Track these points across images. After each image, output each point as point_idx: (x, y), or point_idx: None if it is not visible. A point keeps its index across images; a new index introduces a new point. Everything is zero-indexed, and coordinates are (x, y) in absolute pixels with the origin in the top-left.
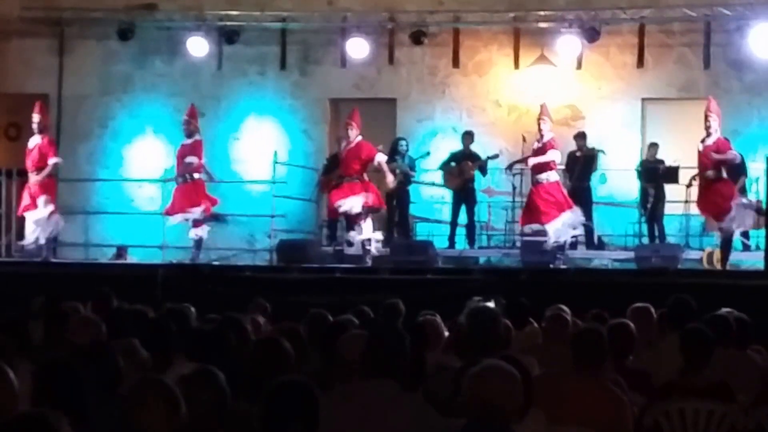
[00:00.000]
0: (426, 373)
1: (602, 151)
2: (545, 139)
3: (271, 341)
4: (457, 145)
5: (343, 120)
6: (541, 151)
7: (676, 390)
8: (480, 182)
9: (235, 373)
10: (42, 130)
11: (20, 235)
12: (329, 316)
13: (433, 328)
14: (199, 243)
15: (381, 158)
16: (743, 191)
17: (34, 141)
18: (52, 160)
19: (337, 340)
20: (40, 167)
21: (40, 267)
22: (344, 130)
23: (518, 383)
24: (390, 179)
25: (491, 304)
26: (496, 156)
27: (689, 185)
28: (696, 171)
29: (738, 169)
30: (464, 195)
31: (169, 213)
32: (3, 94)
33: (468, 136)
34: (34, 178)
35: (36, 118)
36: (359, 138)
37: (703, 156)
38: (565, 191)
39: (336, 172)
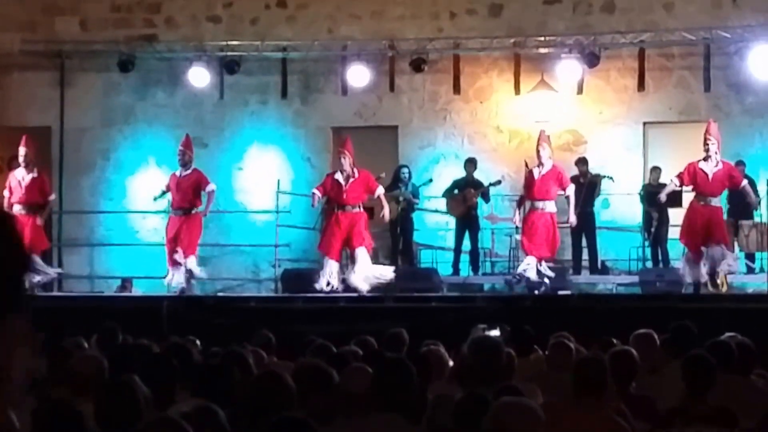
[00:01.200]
0: (429, 404)
1: (609, 177)
2: (546, 168)
3: (272, 375)
4: (459, 172)
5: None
6: (551, 179)
7: (679, 416)
8: (483, 209)
9: (238, 408)
10: (29, 164)
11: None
12: (333, 348)
13: (436, 358)
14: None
15: (381, 191)
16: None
17: (27, 176)
18: (52, 197)
19: (340, 372)
20: (41, 204)
21: (44, 301)
22: (337, 159)
23: (539, 420)
24: (387, 212)
25: (496, 332)
26: (498, 182)
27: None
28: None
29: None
30: (468, 222)
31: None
32: (4, 127)
33: (471, 163)
34: (22, 212)
35: (22, 151)
36: (355, 168)
37: (715, 180)
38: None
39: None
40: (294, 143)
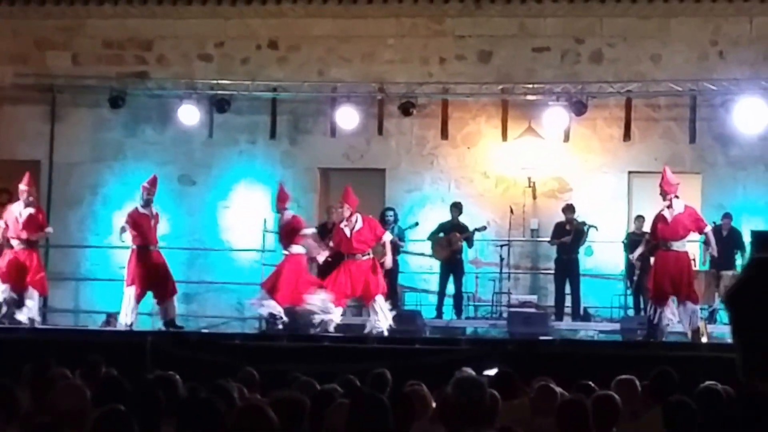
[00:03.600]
0: None
1: (594, 227)
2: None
3: (255, 408)
4: (445, 216)
5: (333, 191)
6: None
7: None
8: (467, 253)
9: None
10: (30, 203)
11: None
12: (317, 385)
13: (419, 398)
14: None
15: (388, 237)
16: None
17: (25, 211)
18: (49, 230)
19: (323, 409)
20: (35, 239)
21: (29, 333)
22: (337, 211)
23: None
24: (389, 260)
25: (492, 372)
26: (483, 228)
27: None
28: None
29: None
30: (452, 266)
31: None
32: None
33: (456, 208)
34: (20, 246)
35: (24, 187)
36: (357, 215)
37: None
38: None
39: (327, 240)
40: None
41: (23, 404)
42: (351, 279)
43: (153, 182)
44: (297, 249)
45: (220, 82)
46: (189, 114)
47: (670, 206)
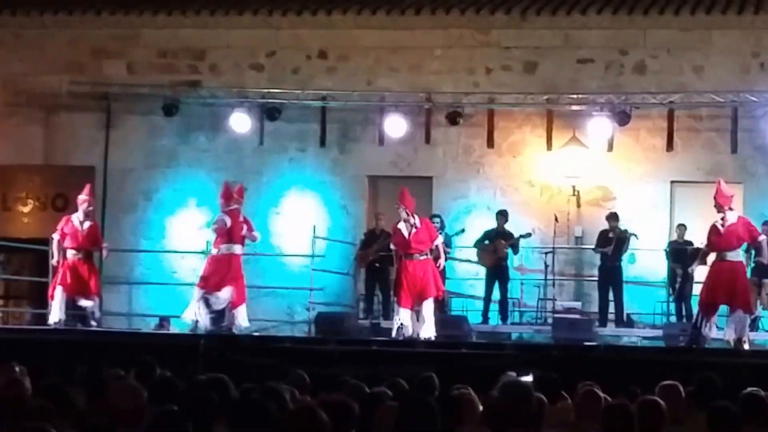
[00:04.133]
0: None
1: (635, 235)
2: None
3: (308, 410)
4: (491, 223)
5: (381, 198)
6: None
7: None
8: (513, 260)
9: None
10: (90, 214)
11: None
12: (366, 388)
13: (467, 401)
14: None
15: (440, 240)
16: None
17: (85, 223)
18: (106, 245)
19: (372, 411)
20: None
21: (84, 335)
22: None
23: None
24: (443, 261)
25: (529, 378)
26: (528, 235)
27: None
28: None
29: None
30: (497, 272)
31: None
32: (51, 166)
33: (502, 216)
34: (77, 256)
35: (85, 198)
36: (416, 216)
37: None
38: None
39: (375, 247)
40: (331, 190)
41: (77, 404)
42: (410, 278)
43: (240, 192)
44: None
45: (271, 90)
46: (240, 122)
47: (724, 218)
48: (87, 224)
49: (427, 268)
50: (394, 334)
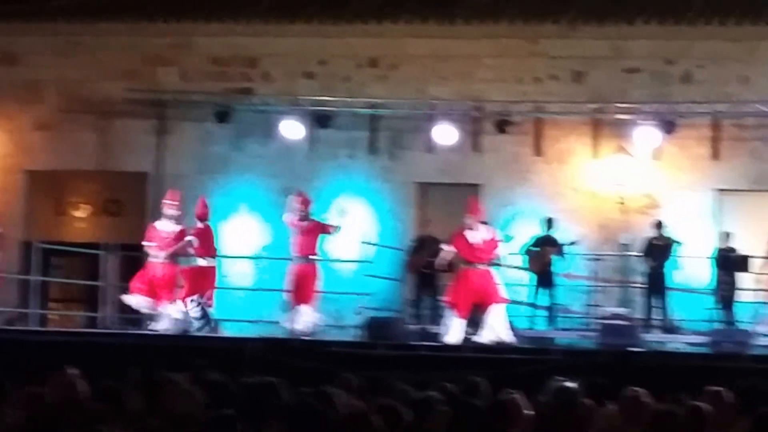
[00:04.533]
0: None
1: (679, 243)
2: None
3: (360, 415)
4: (538, 230)
5: (430, 205)
6: None
7: None
8: (560, 266)
9: None
10: (178, 218)
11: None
12: (414, 392)
13: (516, 406)
14: None
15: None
16: None
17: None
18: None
19: (423, 416)
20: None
21: (136, 338)
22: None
23: None
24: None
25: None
26: (574, 242)
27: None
28: None
29: None
30: (544, 278)
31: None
32: (105, 171)
33: (549, 223)
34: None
35: (172, 203)
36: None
37: None
38: None
39: (423, 253)
40: (380, 197)
41: (131, 406)
42: (471, 287)
43: (305, 201)
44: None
45: (322, 98)
46: (292, 129)
47: None
48: (173, 231)
49: (489, 276)
50: (451, 338)
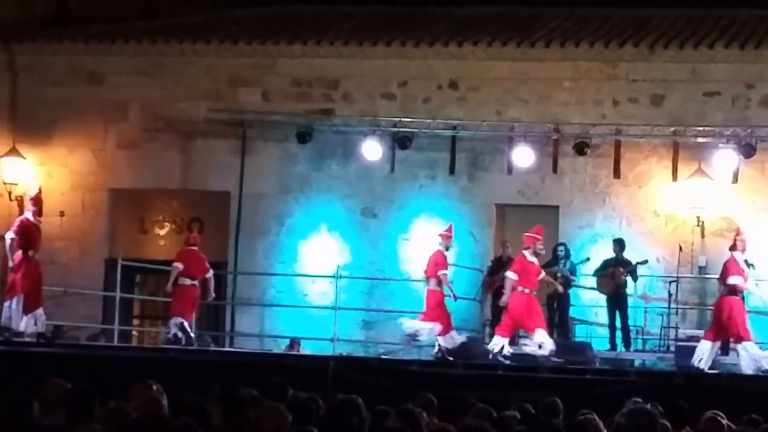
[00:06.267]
0: None
1: (752, 265)
2: None
3: None
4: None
5: (508, 226)
6: None
7: None
8: (636, 288)
9: None
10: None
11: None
12: (493, 412)
13: (593, 426)
14: None
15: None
16: None
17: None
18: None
19: None
20: None
21: (217, 355)
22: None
23: None
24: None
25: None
26: (645, 262)
27: None
28: None
29: None
30: (617, 299)
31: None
32: (187, 190)
33: (618, 244)
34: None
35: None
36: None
37: None
38: None
39: (501, 274)
40: (459, 217)
41: (214, 422)
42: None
43: (449, 231)
44: None
45: (402, 119)
46: (372, 150)
47: None
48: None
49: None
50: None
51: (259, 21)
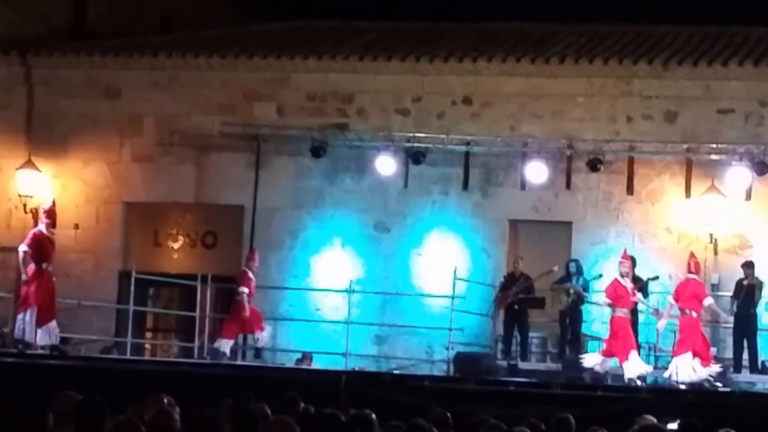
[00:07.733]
0: None
1: (764, 283)
2: None
3: None
4: None
5: (521, 242)
6: None
7: None
8: (648, 307)
9: None
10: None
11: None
12: (505, 428)
13: None
14: None
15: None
16: None
17: None
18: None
19: None
20: None
21: (229, 369)
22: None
23: None
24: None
25: (674, 426)
26: (656, 278)
27: None
28: None
29: None
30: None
31: None
32: (202, 204)
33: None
34: None
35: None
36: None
37: None
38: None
39: (514, 289)
40: (472, 233)
41: None
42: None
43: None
44: None
45: (416, 135)
46: (386, 165)
47: None
48: None
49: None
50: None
51: (274, 35)
